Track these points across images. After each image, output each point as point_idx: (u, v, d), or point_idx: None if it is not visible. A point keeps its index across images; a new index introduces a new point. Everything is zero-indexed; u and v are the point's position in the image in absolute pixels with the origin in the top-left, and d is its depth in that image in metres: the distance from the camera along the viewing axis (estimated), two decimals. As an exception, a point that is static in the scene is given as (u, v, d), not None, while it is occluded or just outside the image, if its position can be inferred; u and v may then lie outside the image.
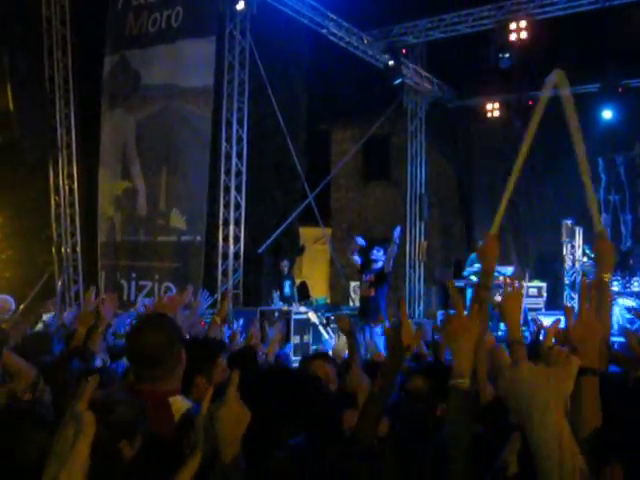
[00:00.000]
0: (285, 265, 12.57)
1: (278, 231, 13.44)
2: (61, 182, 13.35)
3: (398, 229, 9.80)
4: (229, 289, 10.56)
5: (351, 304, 15.09)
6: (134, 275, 11.57)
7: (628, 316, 12.45)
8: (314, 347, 10.78)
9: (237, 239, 11.86)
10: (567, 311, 2.28)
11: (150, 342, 2.69)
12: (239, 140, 11.89)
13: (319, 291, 19.97)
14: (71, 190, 13.42)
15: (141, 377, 2.71)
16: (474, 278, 13.13)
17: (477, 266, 13.49)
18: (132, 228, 11.88)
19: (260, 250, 12.86)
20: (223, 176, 11.74)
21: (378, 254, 10.03)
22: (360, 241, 10.24)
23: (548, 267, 13.17)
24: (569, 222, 13.72)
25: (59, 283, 12.78)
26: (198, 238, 11.25)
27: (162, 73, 11.74)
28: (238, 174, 11.89)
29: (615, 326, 11.61)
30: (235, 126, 11.79)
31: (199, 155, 11.37)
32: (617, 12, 12.30)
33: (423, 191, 15.93)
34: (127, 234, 11.92)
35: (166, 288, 11.00)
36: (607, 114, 14.90)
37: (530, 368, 1.57)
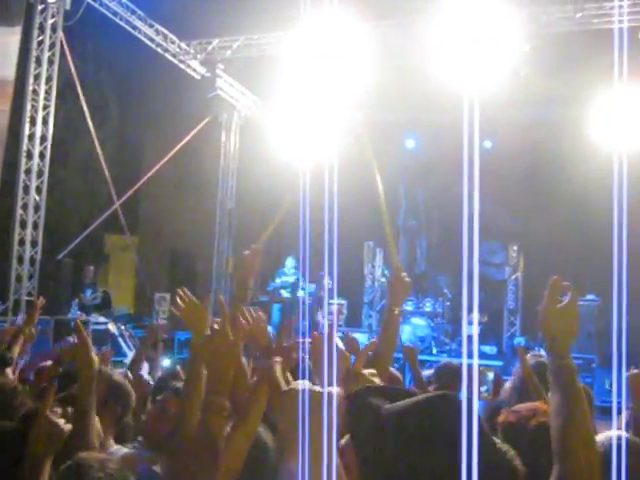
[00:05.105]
0: (90, 271, 12.07)
1: (80, 237, 12.89)
2: None
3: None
4: (39, 299, 9.87)
5: (153, 315, 14.70)
6: None
7: (420, 334, 13.30)
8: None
9: (34, 243, 11.24)
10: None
11: None
12: (42, 139, 11.31)
13: (124, 301, 19.34)
14: None
15: None
16: (284, 293, 13.44)
17: (286, 278, 13.78)
18: None
19: (60, 256, 12.25)
20: (23, 176, 11.09)
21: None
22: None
23: (349, 286, 13.68)
24: (370, 244, 14.41)
25: None
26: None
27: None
28: (39, 175, 11.29)
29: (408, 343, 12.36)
30: (39, 124, 11.21)
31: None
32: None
33: (233, 205, 16.02)
34: None
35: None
36: (410, 143, 15.88)
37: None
